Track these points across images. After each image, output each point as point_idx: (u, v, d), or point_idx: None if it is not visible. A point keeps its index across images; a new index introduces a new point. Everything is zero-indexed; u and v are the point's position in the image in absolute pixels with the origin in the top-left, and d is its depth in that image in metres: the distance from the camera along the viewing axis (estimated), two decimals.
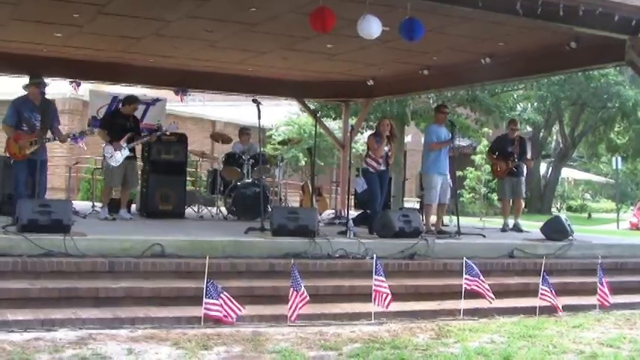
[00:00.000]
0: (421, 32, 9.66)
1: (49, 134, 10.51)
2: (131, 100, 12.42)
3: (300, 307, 7.52)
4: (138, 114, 13.17)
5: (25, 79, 11.00)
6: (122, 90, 17.14)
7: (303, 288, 7.53)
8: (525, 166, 14.03)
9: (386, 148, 11.64)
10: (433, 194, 12.05)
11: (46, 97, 10.71)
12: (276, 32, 11.97)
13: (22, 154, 10.20)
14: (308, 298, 7.57)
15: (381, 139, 11.57)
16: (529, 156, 14.76)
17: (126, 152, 11.80)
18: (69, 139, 11.96)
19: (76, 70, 15.27)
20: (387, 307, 7.96)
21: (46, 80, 10.99)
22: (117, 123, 12.05)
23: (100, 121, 13.56)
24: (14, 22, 11.77)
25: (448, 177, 12.20)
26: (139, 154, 12.81)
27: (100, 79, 16.59)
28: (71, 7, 10.78)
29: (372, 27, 9.26)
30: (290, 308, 7.50)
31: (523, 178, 13.97)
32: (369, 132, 15.30)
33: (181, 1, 10.32)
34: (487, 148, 15.98)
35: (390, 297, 7.94)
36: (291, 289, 7.52)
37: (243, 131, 14.84)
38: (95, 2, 10.51)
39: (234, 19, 11.24)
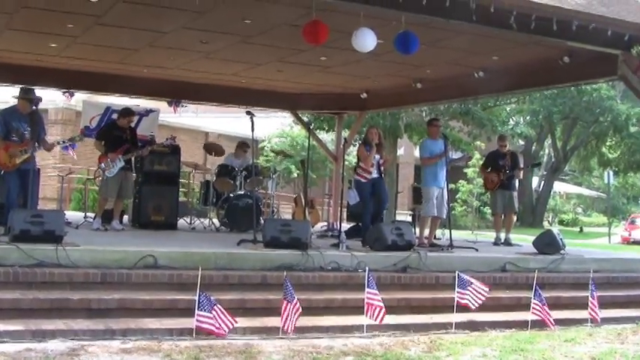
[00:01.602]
0: (416, 45, 9.67)
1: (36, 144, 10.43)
2: (126, 112, 12.46)
3: (295, 319, 7.51)
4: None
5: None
6: (116, 100, 17.14)
7: (296, 299, 7.52)
8: (517, 179, 14.12)
9: (377, 157, 11.65)
10: (430, 207, 12.05)
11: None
12: (270, 44, 11.99)
13: (12, 163, 10.11)
14: (301, 309, 7.57)
15: (370, 148, 11.59)
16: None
17: (121, 163, 11.82)
18: (58, 146, 11.97)
19: (71, 81, 15.24)
20: (380, 322, 7.96)
21: (40, 91, 10.91)
22: (113, 134, 12.11)
23: (96, 133, 13.55)
24: (9, 31, 11.76)
25: (445, 191, 12.18)
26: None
27: (94, 89, 16.58)
28: (67, 18, 10.78)
29: (366, 40, 9.27)
30: (284, 320, 7.49)
31: (515, 193, 14.04)
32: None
33: (177, 12, 10.32)
34: (481, 163, 16.01)
35: (383, 311, 7.93)
36: (285, 301, 7.52)
37: (242, 146, 14.71)
38: (91, 13, 10.51)
39: (229, 30, 11.26)
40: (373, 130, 11.95)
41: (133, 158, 12.28)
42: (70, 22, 11.06)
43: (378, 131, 11.97)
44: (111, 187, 11.95)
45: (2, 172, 10.21)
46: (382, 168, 11.80)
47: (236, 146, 14.82)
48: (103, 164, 11.85)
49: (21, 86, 11.02)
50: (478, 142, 26.50)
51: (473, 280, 8.73)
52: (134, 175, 12.80)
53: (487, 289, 8.74)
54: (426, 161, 12.23)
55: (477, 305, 8.67)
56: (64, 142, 11.53)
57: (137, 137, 12.86)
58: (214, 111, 28.83)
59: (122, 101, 17.04)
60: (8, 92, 14.44)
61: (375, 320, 7.94)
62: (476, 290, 8.67)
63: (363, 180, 11.64)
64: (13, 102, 10.66)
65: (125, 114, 12.42)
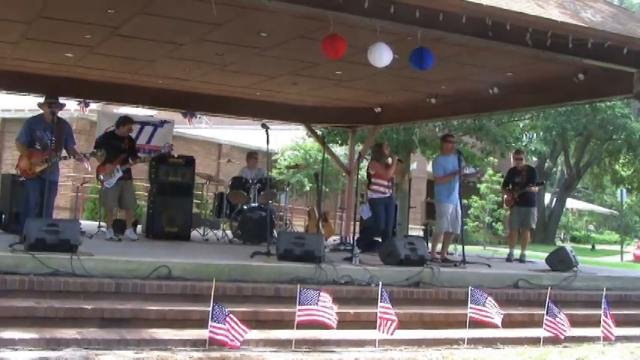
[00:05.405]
0: (431, 61, 9.72)
1: (63, 152, 10.50)
2: (125, 121, 12.37)
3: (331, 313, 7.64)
4: (146, 136, 13.22)
5: (37, 98, 11.02)
6: (130, 111, 17.25)
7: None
8: (534, 194, 14.12)
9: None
10: (444, 222, 12.03)
11: (60, 117, 10.68)
12: (285, 57, 12.05)
13: (33, 171, 10.18)
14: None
15: (385, 162, 11.66)
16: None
17: (119, 174, 11.82)
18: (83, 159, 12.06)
19: (86, 91, 15.32)
20: (391, 334, 7.94)
21: (60, 101, 10.97)
22: (112, 144, 12.01)
23: (95, 142, 13.42)
24: (26, 41, 11.85)
25: (459, 207, 12.17)
26: (145, 175, 12.84)
27: (109, 99, 16.66)
28: (84, 29, 10.87)
29: (382, 55, 9.31)
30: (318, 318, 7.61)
31: (533, 209, 13.99)
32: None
33: (194, 25, 10.40)
34: (494, 179, 16.01)
35: (395, 323, 7.92)
36: (305, 305, 7.59)
37: (252, 155, 14.82)
38: (109, 24, 10.60)
39: (245, 43, 11.33)
40: (385, 143, 12.07)
41: (144, 167, 12.31)
42: (87, 33, 11.14)
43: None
44: (111, 198, 11.97)
45: (23, 179, 10.31)
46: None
47: (246, 157, 14.92)
48: (101, 175, 11.86)
49: (46, 95, 11.08)
50: (491, 158, 26.48)
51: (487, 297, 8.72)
52: (147, 185, 12.83)
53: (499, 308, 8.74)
54: (439, 179, 12.19)
55: (500, 322, 8.66)
56: (86, 155, 11.56)
57: (136, 146, 12.80)
58: (226, 122, 28.91)
59: (137, 112, 17.16)
60: (24, 100, 14.53)
61: (387, 333, 7.93)
62: (494, 306, 8.66)
63: (376, 197, 11.70)
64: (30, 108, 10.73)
65: (123, 122, 12.31)
